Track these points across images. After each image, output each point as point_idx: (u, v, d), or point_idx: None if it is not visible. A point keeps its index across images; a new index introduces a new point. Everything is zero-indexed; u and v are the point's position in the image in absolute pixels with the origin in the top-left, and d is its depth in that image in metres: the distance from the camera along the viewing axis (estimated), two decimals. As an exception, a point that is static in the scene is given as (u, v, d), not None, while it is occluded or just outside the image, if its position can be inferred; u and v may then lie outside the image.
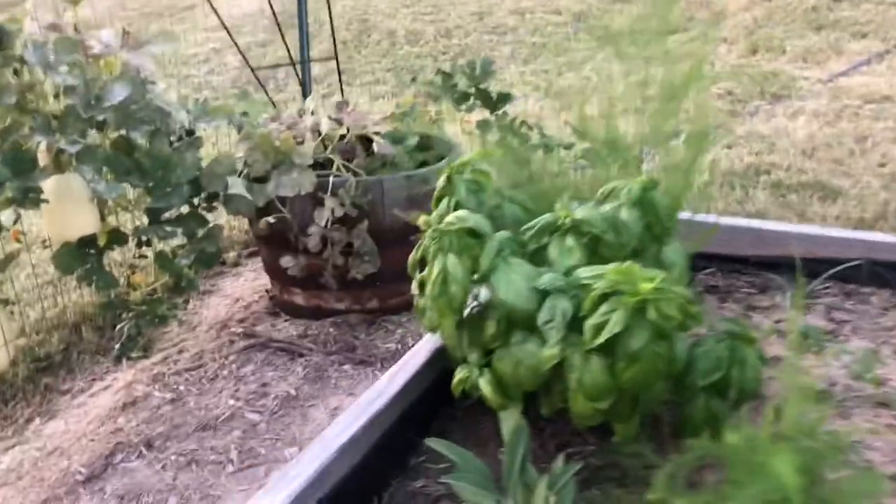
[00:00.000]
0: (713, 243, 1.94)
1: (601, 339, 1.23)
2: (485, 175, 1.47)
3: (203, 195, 2.52)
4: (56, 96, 2.31)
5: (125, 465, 2.30)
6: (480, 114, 2.88)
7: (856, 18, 5.15)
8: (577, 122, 1.83)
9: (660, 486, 1.28)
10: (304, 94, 2.88)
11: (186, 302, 2.93)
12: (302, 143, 2.45)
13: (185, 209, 2.49)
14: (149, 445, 2.35)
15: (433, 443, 1.28)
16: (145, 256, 2.65)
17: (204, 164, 2.44)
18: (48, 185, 2.25)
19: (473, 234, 1.36)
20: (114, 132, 2.34)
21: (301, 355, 2.66)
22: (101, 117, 2.22)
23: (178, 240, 2.50)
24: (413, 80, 2.84)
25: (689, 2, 5.25)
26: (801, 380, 1.63)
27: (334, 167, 2.60)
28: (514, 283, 1.33)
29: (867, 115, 3.81)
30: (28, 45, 2.21)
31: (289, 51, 2.78)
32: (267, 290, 2.99)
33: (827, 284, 1.97)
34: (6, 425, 2.58)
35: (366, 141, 2.74)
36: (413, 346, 1.65)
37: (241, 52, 2.73)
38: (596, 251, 1.39)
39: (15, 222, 2.48)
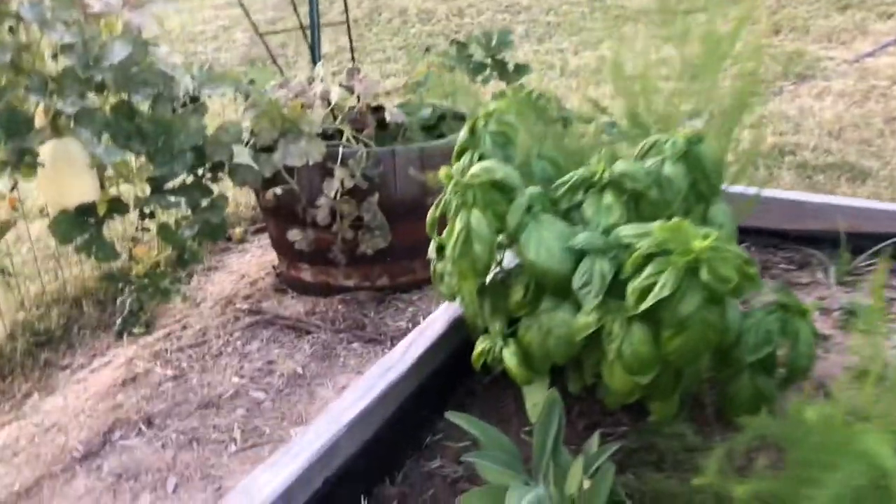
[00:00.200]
0: (746, 216, 1.76)
1: (646, 304, 1.06)
2: (512, 127, 1.29)
3: (208, 165, 2.36)
4: (54, 57, 2.15)
5: (124, 442, 2.14)
6: (496, 86, 2.70)
7: (882, -1, 4.95)
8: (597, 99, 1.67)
9: (709, 470, 1.11)
10: (314, 60, 2.71)
11: (190, 276, 2.77)
12: (311, 109, 2.28)
13: (188, 179, 2.33)
14: (149, 423, 2.19)
15: (453, 416, 1.11)
16: (148, 229, 2.49)
17: (209, 132, 2.27)
18: (45, 149, 2.08)
19: (500, 188, 1.18)
20: (114, 95, 2.18)
21: (308, 333, 2.50)
22: (99, 77, 2.05)
23: (183, 211, 2.34)
24: (427, 50, 2.67)
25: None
26: (851, 359, 1.46)
27: (344, 137, 2.43)
28: (545, 243, 1.16)
29: (896, 96, 3.64)
30: (24, 2, 2.05)
31: (299, 17, 2.62)
32: (274, 267, 2.83)
33: (872, 261, 1.79)
34: (3, 400, 2.42)
35: (377, 112, 2.58)
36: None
37: (248, 15, 2.56)
38: (637, 210, 1.22)
39: (12, 189, 2.33)
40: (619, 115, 1.67)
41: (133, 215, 2.36)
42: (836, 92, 3.66)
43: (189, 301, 2.75)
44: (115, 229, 2.64)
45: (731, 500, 1.14)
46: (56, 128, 2.19)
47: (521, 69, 2.67)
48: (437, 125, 2.59)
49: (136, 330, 2.56)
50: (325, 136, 2.40)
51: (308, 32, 2.64)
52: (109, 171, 2.31)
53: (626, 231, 1.15)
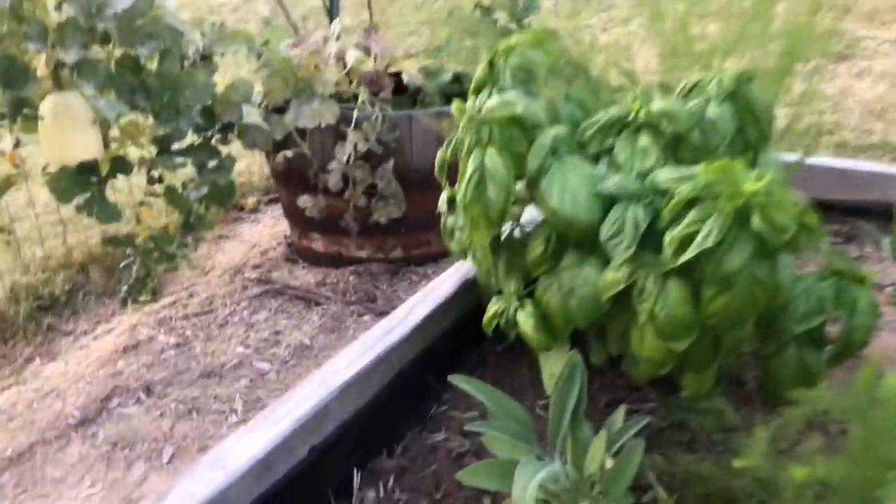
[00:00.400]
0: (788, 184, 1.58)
1: (686, 256, 0.89)
2: (535, 63, 1.12)
3: (217, 126, 2.21)
4: (58, 7, 2.01)
5: (121, 410, 2.01)
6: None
7: (927, -23, 4.67)
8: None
9: (752, 451, 0.94)
10: (330, 17, 2.54)
11: (197, 242, 2.63)
12: (325, 69, 2.12)
13: (196, 141, 2.19)
14: (148, 391, 2.06)
15: (457, 380, 0.94)
16: (157, 194, 2.35)
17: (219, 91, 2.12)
18: (46, 103, 1.95)
19: (521, 125, 1.01)
20: (119, 49, 2.04)
21: (318, 304, 2.35)
22: (102, 26, 1.91)
23: (191, 174, 2.20)
24: (449, 14, 2.50)
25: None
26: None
27: (359, 100, 2.27)
28: (570, 188, 0.99)
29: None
30: (26, -55, 1.91)
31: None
32: (286, 237, 2.68)
33: (927, 233, 1.60)
34: (4, 364, 2.30)
35: (396, 77, 2.41)
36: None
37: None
38: (675, 156, 1.04)
39: (15, 147, 2.20)
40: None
41: (142, 181, 2.23)
42: (877, 72, 3.43)
43: (196, 269, 2.62)
44: (122, 191, 2.51)
45: (775, 486, 0.97)
46: (58, 81, 2.05)
47: (548, 36, 2.48)
48: (458, 91, 2.42)
49: (142, 297, 2.42)
50: (339, 98, 2.24)
51: (328, 2, 2.49)
52: (115, 132, 2.18)
53: (665, 175, 0.97)
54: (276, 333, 2.25)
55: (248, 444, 0.88)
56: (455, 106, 1.04)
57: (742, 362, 1.27)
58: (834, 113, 3.03)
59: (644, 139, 1.03)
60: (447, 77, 2.39)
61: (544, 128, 1.02)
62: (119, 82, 2.00)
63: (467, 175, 1.00)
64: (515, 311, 1.09)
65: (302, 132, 2.20)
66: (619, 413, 0.96)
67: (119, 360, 2.20)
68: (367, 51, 2.25)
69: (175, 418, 1.94)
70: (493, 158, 0.99)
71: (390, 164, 2.24)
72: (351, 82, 2.32)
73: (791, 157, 1.65)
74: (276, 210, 2.90)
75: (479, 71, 1.14)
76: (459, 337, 1.23)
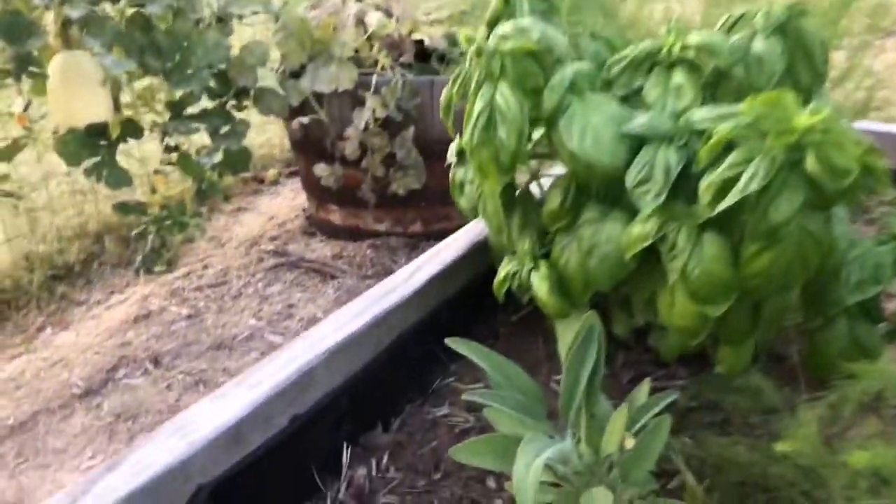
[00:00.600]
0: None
1: (726, 204, 0.74)
2: (557, -4, 0.97)
3: (232, 91, 2.10)
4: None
5: (128, 381, 1.92)
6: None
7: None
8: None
9: (796, 435, 0.79)
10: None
11: (211, 211, 2.54)
12: (344, 31, 2.00)
13: (210, 105, 2.08)
14: (156, 362, 1.96)
15: (457, 344, 0.81)
16: (172, 163, 2.25)
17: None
18: (54, 63, 1.86)
19: (537, 57, 0.87)
20: (129, 6, 1.94)
21: (333, 277, 2.23)
22: (111, -19, 1.81)
23: (204, 141, 2.10)
24: (476, -21, 2.36)
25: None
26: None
27: (379, 65, 2.14)
28: (592, 128, 0.85)
29: None
30: None
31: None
32: (304, 210, 2.57)
33: None
34: (16, 333, 2.23)
35: (419, 44, 2.28)
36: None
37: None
38: (715, 95, 0.90)
39: (25, 109, 2.12)
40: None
41: (157, 152, 2.14)
42: (928, 47, 3.21)
43: (213, 240, 2.52)
44: (139, 161, 2.42)
45: (821, 475, 0.82)
46: (66, 39, 1.95)
47: None
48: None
49: (157, 268, 2.33)
50: (359, 64, 2.12)
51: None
52: (127, 97, 2.09)
53: (701, 114, 0.83)
54: (290, 306, 2.14)
55: (215, 411, 0.76)
56: (463, 35, 0.90)
57: (782, 337, 1.11)
58: (882, 90, 2.82)
59: (679, 76, 0.88)
60: (472, 43, 2.25)
61: (564, 62, 0.88)
62: (128, 40, 1.90)
63: (475, 114, 0.86)
64: (529, 272, 0.95)
65: (319, 98, 2.08)
66: (643, 387, 0.82)
67: (129, 330, 2.11)
68: (387, 13, 2.12)
69: (182, 390, 1.84)
70: (505, 95, 0.85)
71: (410, 132, 2.11)
72: (371, 47, 2.19)
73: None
74: (296, 183, 2.80)
75: (494, 2, 1.00)
76: (469, 305, 1.10)
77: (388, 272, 2.21)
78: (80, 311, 2.30)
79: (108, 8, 1.99)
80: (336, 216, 2.37)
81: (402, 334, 0.98)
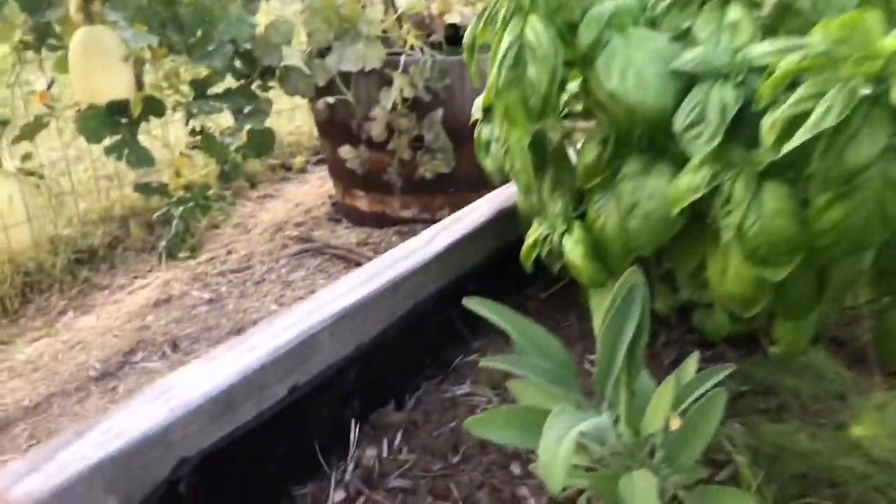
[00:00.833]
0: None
1: (793, 143, 0.63)
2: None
3: (257, 72, 2.03)
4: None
5: (145, 364, 1.85)
6: None
7: None
8: None
9: (872, 421, 0.67)
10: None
11: (237, 196, 2.47)
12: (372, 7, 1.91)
13: (234, 86, 2.02)
14: (174, 346, 1.89)
15: (474, 304, 0.70)
16: (197, 146, 2.19)
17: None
18: (76, 37, 1.81)
19: (572, -12, 0.77)
20: (153, -21, 1.87)
21: (358, 264, 2.13)
22: (134, -47, 1.75)
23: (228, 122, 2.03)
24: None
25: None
26: None
27: (407, 45, 2.04)
28: (634, 65, 0.74)
29: None
30: None
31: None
32: (330, 196, 2.48)
33: None
34: (37, 315, 2.19)
35: (451, 27, 2.18)
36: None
37: None
38: (776, 33, 0.78)
39: (49, 87, 2.07)
40: None
41: (182, 136, 2.08)
42: None
43: (238, 226, 2.45)
44: (158, 138, 2.36)
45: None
46: (88, 13, 1.90)
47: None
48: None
49: (181, 254, 2.27)
50: (387, 45, 2.03)
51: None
52: (150, 78, 2.03)
53: (762, 48, 0.71)
54: (313, 293, 2.05)
55: (204, 375, 0.66)
56: (490, -35, 0.80)
57: (844, 319, 0.98)
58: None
59: (734, 12, 0.77)
60: (504, 23, 2.14)
61: (603, -7, 0.76)
62: (150, 14, 1.84)
63: (502, 51, 0.76)
64: (561, 236, 0.84)
65: (346, 78, 2.00)
66: (690, 362, 0.70)
67: (148, 314, 2.05)
68: (417, -9, 2.02)
69: (198, 375, 1.76)
70: (536, 29, 0.74)
71: (439, 113, 2.01)
72: (401, 27, 2.10)
73: None
74: (324, 171, 2.72)
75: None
76: (493, 277, 0.99)
77: (414, 259, 2.11)
78: (103, 296, 2.25)
79: (130, -19, 1.92)
80: (362, 202, 2.28)
81: (419, 304, 0.87)
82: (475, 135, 0.96)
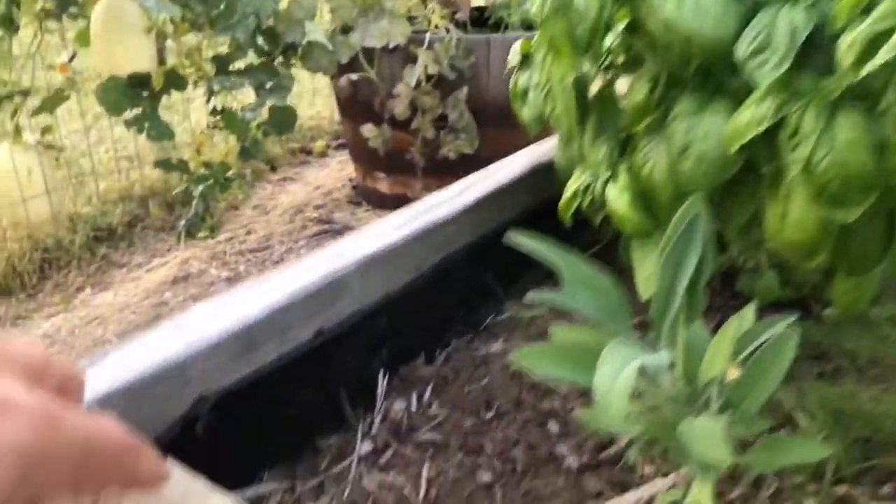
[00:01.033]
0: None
1: (874, 65, 0.56)
2: None
3: (279, 49, 1.99)
4: None
5: (160, 340, 1.79)
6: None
7: None
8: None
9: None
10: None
11: (257, 178, 2.42)
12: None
13: (256, 62, 1.97)
14: (191, 322, 1.84)
15: (518, 239, 0.64)
16: (219, 126, 2.15)
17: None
18: (97, 9, 1.77)
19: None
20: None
21: (378, 245, 2.08)
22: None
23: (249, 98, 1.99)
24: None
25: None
26: None
27: (432, 24, 1.99)
28: (692, -8, 0.68)
29: None
30: None
31: None
32: (350, 180, 2.44)
33: None
34: (55, 292, 2.15)
35: (477, 10, 2.14)
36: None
37: None
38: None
39: (71, 59, 2.04)
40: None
41: (202, 116, 2.04)
42: None
43: (258, 208, 2.41)
44: (179, 113, 2.33)
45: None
46: (112, -17, 1.85)
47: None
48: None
49: (200, 233, 2.23)
50: (412, 23, 1.98)
51: None
52: (173, 54, 1.99)
53: (833, -30, 0.65)
54: (332, 273, 2.00)
55: (224, 312, 0.61)
56: None
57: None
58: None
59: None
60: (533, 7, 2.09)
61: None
62: (173, -16, 1.79)
63: (547, -22, 0.70)
64: (605, 183, 0.77)
65: (369, 55, 1.95)
66: (749, 309, 0.64)
67: (166, 291, 2.00)
68: (444, -31, 1.97)
69: (214, 350, 1.71)
70: (585, -47, 0.68)
71: (463, 92, 1.95)
72: (426, 5, 2.05)
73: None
74: (344, 155, 2.68)
75: None
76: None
77: (436, 241, 2.06)
78: (121, 273, 2.21)
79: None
80: (383, 184, 2.22)
81: (449, 257, 0.81)
82: (511, 85, 0.90)
